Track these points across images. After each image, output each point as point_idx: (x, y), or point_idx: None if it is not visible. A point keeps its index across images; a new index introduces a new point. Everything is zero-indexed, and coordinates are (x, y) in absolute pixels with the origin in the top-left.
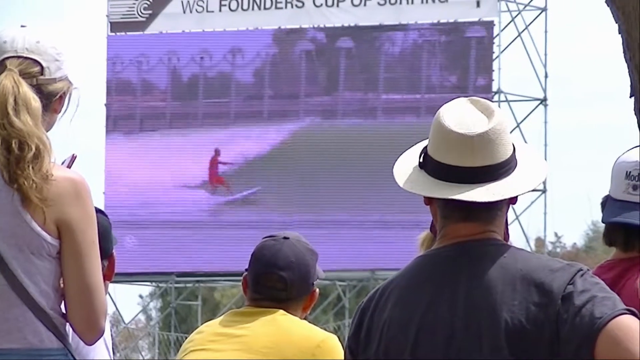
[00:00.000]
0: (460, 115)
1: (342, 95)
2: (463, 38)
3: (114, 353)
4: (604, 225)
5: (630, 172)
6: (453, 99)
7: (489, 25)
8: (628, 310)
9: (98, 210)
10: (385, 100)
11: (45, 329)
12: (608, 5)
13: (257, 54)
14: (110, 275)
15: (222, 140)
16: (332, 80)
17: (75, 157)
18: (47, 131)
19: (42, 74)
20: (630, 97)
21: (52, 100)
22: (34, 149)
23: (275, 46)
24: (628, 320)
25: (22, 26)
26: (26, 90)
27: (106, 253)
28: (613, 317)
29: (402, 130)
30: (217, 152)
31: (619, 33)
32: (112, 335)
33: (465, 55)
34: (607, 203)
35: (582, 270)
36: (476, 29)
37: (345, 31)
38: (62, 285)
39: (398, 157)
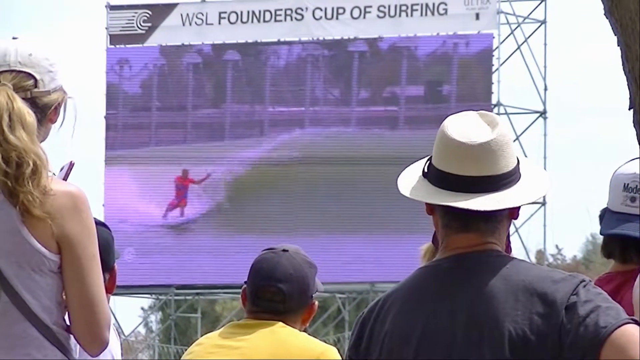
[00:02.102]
0: (464, 125)
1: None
2: (346, 52)
3: None
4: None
5: (628, 184)
6: (336, 112)
7: (488, 37)
8: (632, 320)
9: (101, 223)
10: (272, 113)
11: (50, 344)
12: (607, 17)
13: (144, 66)
14: (111, 288)
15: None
16: (220, 93)
17: (73, 164)
18: (43, 141)
19: (36, 87)
20: (629, 109)
21: (48, 112)
22: (31, 164)
23: (162, 58)
24: (632, 329)
25: (13, 38)
26: (20, 105)
27: (108, 266)
28: (618, 327)
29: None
30: (184, 173)
31: (618, 45)
32: (120, 344)
33: (348, 69)
34: (605, 215)
35: (584, 281)
36: (359, 43)
37: (230, 46)
38: (64, 298)
39: (405, 168)
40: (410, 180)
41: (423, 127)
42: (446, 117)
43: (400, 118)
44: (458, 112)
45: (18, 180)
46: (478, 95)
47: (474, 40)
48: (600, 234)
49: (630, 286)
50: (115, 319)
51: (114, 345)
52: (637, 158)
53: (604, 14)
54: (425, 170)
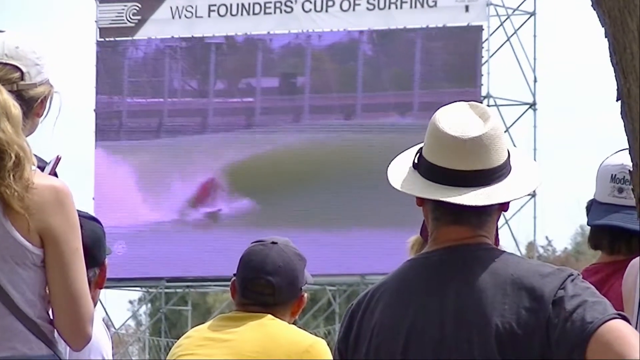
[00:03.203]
0: (455, 118)
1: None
2: (203, 44)
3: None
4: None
5: (615, 175)
6: (194, 103)
7: (478, 29)
8: (619, 314)
9: (92, 218)
10: (130, 104)
11: (34, 337)
12: (594, 9)
13: None
14: (101, 283)
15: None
16: None
17: (60, 158)
18: (29, 135)
19: (22, 80)
20: (617, 100)
21: (34, 105)
22: (14, 157)
23: None
24: (619, 324)
25: (0, 31)
26: (6, 97)
27: (97, 261)
28: (604, 322)
29: None
30: (212, 181)
31: (606, 37)
32: (111, 339)
33: (205, 61)
34: (593, 206)
35: (572, 275)
36: (215, 38)
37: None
38: (48, 292)
39: (394, 157)
40: (400, 171)
41: (279, 118)
42: (301, 108)
43: (257, 109)
44: (313, 103)
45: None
46: (332, 85)
47: (326, 35)
48: (588, 224)
49: (618, 277)
50: (106, 312)
51: (105, 344)
52: (624, 149)
53: (592, 6)
54: (416, 161)
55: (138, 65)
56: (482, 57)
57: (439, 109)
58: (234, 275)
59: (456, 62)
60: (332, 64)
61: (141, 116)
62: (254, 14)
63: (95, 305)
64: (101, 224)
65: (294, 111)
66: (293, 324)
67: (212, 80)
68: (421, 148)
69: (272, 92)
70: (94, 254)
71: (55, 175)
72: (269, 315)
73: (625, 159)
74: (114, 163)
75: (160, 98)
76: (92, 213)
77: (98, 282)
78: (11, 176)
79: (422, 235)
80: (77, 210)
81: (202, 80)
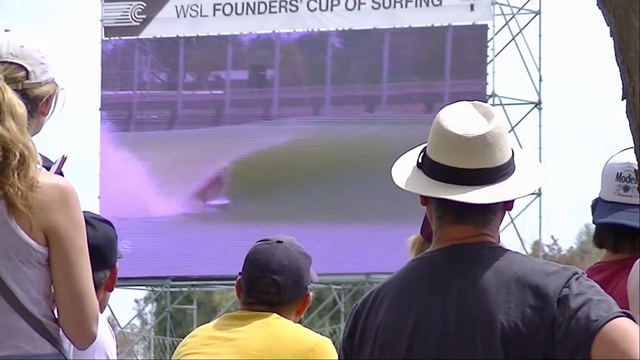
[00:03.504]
0: (459, 116)
1: None
2: (173, 37)
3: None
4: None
5: (621, 173)
6: (164, 96)
7: (483, 28)
8: (624, 313)
9: (105, 221)
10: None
11: (39, 336)
12: (599, 8)
13: None
14: (111, 285)
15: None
16: None
17: (66, 157)
18: (34, 134)
19: (27, 79)
20: (622, 99)
21: (39, 104)
22: (18, 155)
23: None
24: (624, 322)
25: (5, 30)
26: (11, 96)
27: (108, 263)
28: (609, 320)
29: None
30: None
31: (611, 36)
32: (115, 338)
33: (175, 54)
34: (598, 205)
35: (577, 273)
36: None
37: None
38: (53, 291)
39: (399, 156)
40: (404, 170)
41: (248, 111)
42: (270, 101)
43: (227, 101)
44: (283, 96)
45: (4, 172)
46: (301, 78)
47: (295, 34)
48: (593, 222)
49: (623, 276)
50: (111, 311)
51: (109, 344)
52: (629, 148)
53: (597, 5)
54: (420, 160)
55: (108, 58)
56: (487, 56)
57: (405, 103)
58: (240, 274)
59: (424, 58)
60: (301, 56)
61: (117, 108)
62: (259, 13)
63: (104, 309)
64: (113, 227)
65: (262, 104)
66: (298, 323)
67: (181, 73)
68: (425, 147)
69: (242, 85)
70: (106, 255)
71: (61, 174)
72: (275, 315)
73: (631, 158)
74: (118, 160)
75: (129, 90)
76: (95, 212)
77: (108, 285)
78: (15, 175)
79: (423, 234)
80: (90, 213)
81: (171, 73)
